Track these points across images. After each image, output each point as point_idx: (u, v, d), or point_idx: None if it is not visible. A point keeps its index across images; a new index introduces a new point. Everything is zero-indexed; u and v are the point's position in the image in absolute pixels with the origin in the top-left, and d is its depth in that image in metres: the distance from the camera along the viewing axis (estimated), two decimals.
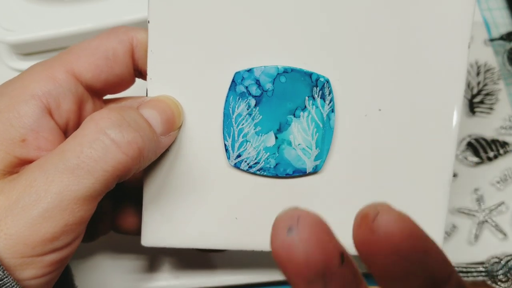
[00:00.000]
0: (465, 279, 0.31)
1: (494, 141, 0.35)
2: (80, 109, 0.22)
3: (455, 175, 0.34)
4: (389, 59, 0.22)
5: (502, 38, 0.38)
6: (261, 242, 0.23)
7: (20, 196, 0.18)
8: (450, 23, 0.22)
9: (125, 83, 0.23)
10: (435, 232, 0.24)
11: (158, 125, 0.21)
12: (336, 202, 0.23)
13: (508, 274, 0.31)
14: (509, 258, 0.31)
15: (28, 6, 0.35)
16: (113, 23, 0.34)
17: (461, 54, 0.22)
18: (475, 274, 0.31)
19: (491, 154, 0.34)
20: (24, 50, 0.36)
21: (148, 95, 0.22)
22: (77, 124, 0.21)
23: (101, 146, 0.18)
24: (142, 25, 0.35)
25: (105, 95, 0.24)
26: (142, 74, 0.23)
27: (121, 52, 0.22)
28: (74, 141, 0.19)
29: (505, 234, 0.33)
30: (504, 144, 0.35)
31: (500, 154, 0.35)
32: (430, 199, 0.23)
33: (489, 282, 0.31)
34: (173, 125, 0.22)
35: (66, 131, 0.21)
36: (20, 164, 0.19)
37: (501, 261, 0.31)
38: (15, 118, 0.20)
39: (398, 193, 0.23)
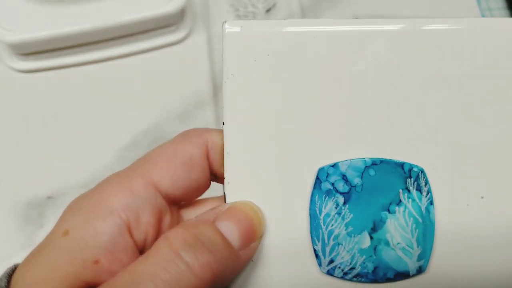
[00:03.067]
0: None
1: None
2: (159, 222, 0.20)
3: None
4: (486, 139, 0.20)
5: None
6: None
7: None
8: None
9: (202, 188, 0.22)
10: None
11: (236, 239, 0.19)
12: None
13: None
14: None
15: (28, 6, 0.35)
16: (113, 23, 0.34)
17: None
18: None
19: None
20: (24, 50, 0.36)
21: (226, 201, 0.20)
22: (155, 239, 0.19)
23: (175, 270, 0.17)
24: (142, 25, 0.36)
25: (180, 203, 0.22)
26: (217, 177, 0.22)
27: (197, 155, 0.21)
28: (147, 261, 0.17)
29: None
30: None
31: None
32: None
33: None
34: (254, 236, 0.19)
35: (143, 248, 0.20)
36: None
37: None
38: (91, 236, 0.18)
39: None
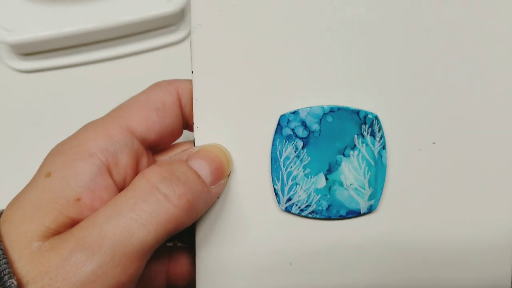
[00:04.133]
0: None
1: None
2: (137, 164, 0.22)
3: None
4: (440, 88, 0.21)
5: None
6: (318, 287, 0.23)
7: (72, 252, 0.17)
8: (503, 44, 0.21)
9: (176, 134, 0.23)
10: (501, 270, 0.22)
11: (207, 175, 0.21)
12: (393, 242, 0.22)
13: None
14: None
15: (28, 6, 0.35)
16: (113, 23, 0.34)
17: None
18: None
19: None
20: (24, 50, 0.36)
21: (195, 145, 0.22)
22: None
23: (154, 200, 0.18)
24: (143, 25, 0.36)
25: (157, 148, 0.24)
26: (189, 126, 0.23)
27: (169, 102, 0.22)
28: (126, 194, 0.19)
29: None
30: None
31: None
32: (494, 232, 0.22)
33: None
34: (223, 174, 0.21)
35: (123, 188, 0.21)
36: (71, 225, 0.19)
37: None
38: (72, 176, 0.20)
39: (456, 229, 0.22)
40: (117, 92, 0.34)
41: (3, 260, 0.17)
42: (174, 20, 0.37)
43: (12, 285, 0.16)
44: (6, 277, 0.16)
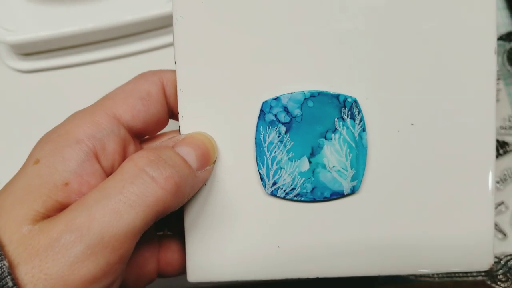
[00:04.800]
0: (465, 279, 0.31)
1: None
2: (124, 151, 0.22)
3: None
4: (417, 72, 0.22)
5: (501, 38, 0.38)
6: (306, 269, 0.23)
7: (61, 234, 0.18)
8: (476, 30, 0.22)
9: (161, 123, 0.24)
10: (482, 252, 0.23)
11: (193, 160, 0.21)
12: (377, 221, 0.23)
13: (508, 274, 0.30)
14: (508, 258, 0.31)
15: (28, 6, 0.35)
16: (113, 23, 0.34)
17: (488, 61, 0.22)
18: (474, 274, 0.31)
19: None
20: (24, 50, 0.36)
21: (181, 133, 0.23)
22: None
23: (142, 183, 0.19)
24: (143, 25, 0.36)
25: (143, 137, 0.24)
26: (174, 115, 0.24)
27: (154, 92, 0.23)
28: (114, 178, 0.19)
29: (505, 234, 0.32)
30: (503, 144, 0.35)
31: (499, 154, 0.34)
32: (473, 213, 0.23)
33: (488, 282, 0.30)
34: (208, 160, 0.22)
35: (111, 174, 0.21)
36: (60, 209, 0.20)
37: (501, 261, 0.31)
38: (59, 162, 0.20)
39: (438, 207, 0.23)
40: None
41: None
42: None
43: (4, 266, 0.17)
44: None
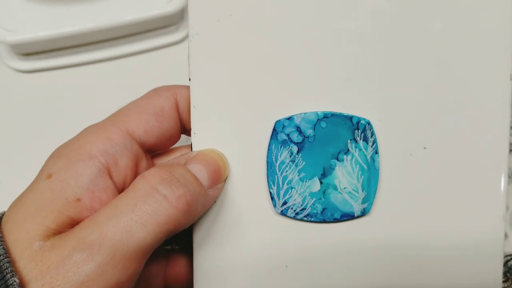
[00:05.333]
0: None
1: None
2: (137, 166, 0.22)
3: None
4: (430, 95, 0.22)
5: None
6: None
7: (73, 251, 0.18)
8: (490, 55, 0.22)
9: (174, 138, 0.24)
10: (492, 274, 0.23)
11: (205, 178, 0.21)
12: (387, 244, 0.23)
13: (508, 274, 0.30)
14: (509, 258, 0.30)
15: (28, 6, 0.35)
16: (113, 23, 0.34)
17: (503, 87, 0.22)
18: None
19: None
20: (24, 50, 0.36)
21: (193, 149, 0.23)
22: None
23: (154, 201, 0.19)
24: (143, 25, 0.36)
25: (155, 152, 0.24)
26: (186, 130, 0.24)
27: (167, 107, 0.23)
28: (127, 196, 0.19)
29: (505, 234, 0.31)
30: None
31: None
32: (483, 240, 0.23)
33: None
34: (220, 178, 0.22)
35: (123, 190, 0.22)
36: (71, 225, 0.20)
37: None
38: (72, 177, 0.20)
39: (449, 233, 0.23)
40: (117, 92, 0.35)
41: (6, 259, 0.17)
42: (174, 20, 0.38)
43: (14, 283, 0.17)
44: (9, 275, 0.17)
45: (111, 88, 0.36)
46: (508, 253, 0.30)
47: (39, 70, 0.37)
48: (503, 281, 0.30)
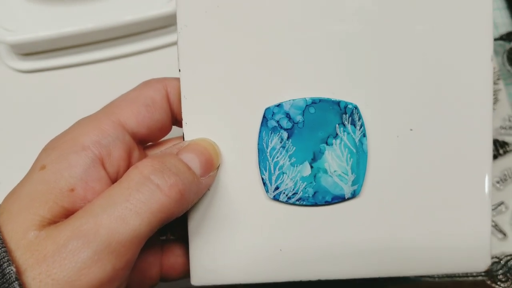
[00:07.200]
0: (465, 279, 0.31)
1: (494, 141, 0.35)
2: (129, 157, 0.23)
3: None
4: (414, 78, 0.23)
5: (502, 38, 0.38)
6: (308, 271, 0.24)
7: (68, 240, 0.18)
8: (472, 39, 0.22)
9: (165, 129, 0.24)
10: (479, 254, 0.23)
11: (197, 167, 0.22)
12: (377, 224, 0.23)
13: (508, 274, 0.31)
14: (508, 258, 0.31)
15: (28, 6, 0.35)
16: (113, 23, 0.34)
17: (485, 66, 0.22)
18: (474, 274, 0.31)
19: None
20: (24, 50, 0.36)
21: (185, 139, 0.23)
22: None
23: (147, 190, 0.19)
24: (143, 25, 0.36)
25: (147, 143, 0.25)
26: (178, 121, 0.24)
27: (158, 98, 0.23)
28: (120, 186, 0.20)
29: (504, 234, 0.32)
30: (503, 144, 0.35)
31: (499, 154, 0.35)
32: (470, 215, 0.23)
33: (488, 282, 0.31)
34: (212, 166, 0.22)
35: (116, 180, 0.22)
36: (66, 215, 0.20)
37: (501, 261, 0.31)
38: (65, 168, 0.20)
39: (436, 210, 0.23)
40: (117, 92, 0.34)
41: (2, 249, 0.18)
42: (174, 20, 0.37)
43: (11, 272, 0.17)
44: (5, 264, 0.17)
45: (111, 88, 0.36)
46: (508, 253, 0.31)
47: (39, 70, 0.37)
48: (503, 281, 0.30)
